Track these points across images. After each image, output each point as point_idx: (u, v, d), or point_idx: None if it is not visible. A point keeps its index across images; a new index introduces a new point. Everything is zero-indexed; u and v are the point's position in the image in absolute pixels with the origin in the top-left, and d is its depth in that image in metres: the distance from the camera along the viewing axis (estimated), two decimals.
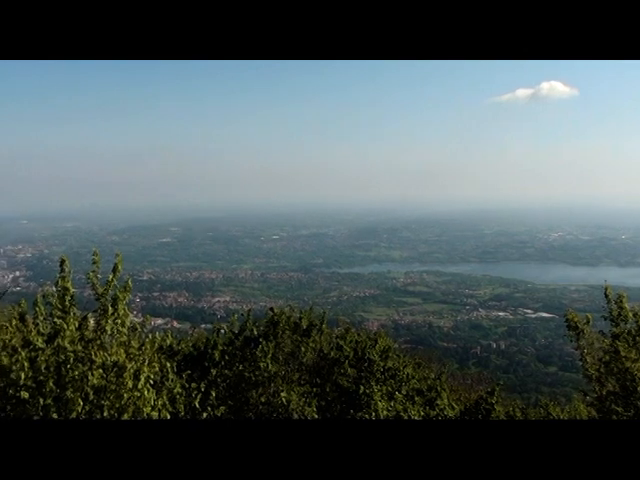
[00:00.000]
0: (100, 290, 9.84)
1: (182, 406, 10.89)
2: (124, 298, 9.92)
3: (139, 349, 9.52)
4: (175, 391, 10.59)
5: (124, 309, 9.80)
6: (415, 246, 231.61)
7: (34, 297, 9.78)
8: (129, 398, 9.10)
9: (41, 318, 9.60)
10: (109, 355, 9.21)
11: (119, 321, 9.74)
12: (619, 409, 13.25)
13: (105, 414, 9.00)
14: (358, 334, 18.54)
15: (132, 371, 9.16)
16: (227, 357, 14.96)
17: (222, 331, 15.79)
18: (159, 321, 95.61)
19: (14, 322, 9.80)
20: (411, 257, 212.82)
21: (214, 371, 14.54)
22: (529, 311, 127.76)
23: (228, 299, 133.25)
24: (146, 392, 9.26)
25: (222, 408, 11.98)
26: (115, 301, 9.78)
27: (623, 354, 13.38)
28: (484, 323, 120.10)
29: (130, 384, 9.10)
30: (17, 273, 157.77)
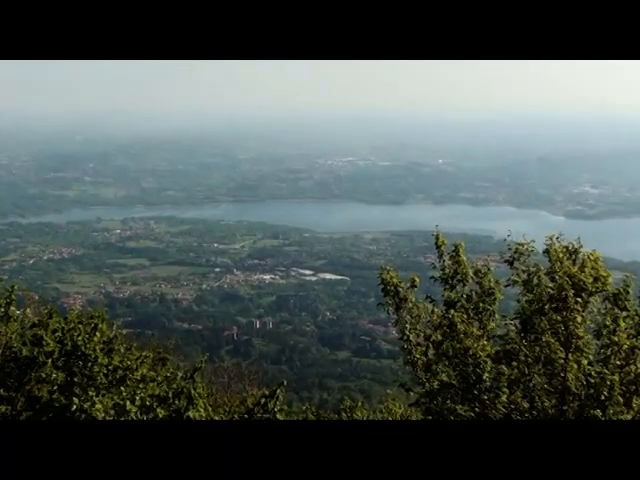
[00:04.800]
0: None
1: None
2: None
3: None
4: None
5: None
6: (137, 180, 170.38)
7: None
8: None
9: None
10: None
11: None
12: (457, 407, 10.18)
13: None
14: (65, 319, 12.94)
15: None
16: None
17: None
18: None
19: None
20: (132, 196, 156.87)
21: None
22: (308, 272, 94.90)
23: None
24: None
25: None
26: None
27: (461, 329, 10.33)
28: (242, 292, 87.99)
29: None
30: None
